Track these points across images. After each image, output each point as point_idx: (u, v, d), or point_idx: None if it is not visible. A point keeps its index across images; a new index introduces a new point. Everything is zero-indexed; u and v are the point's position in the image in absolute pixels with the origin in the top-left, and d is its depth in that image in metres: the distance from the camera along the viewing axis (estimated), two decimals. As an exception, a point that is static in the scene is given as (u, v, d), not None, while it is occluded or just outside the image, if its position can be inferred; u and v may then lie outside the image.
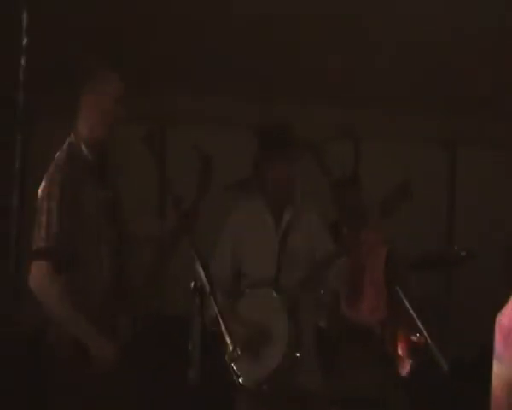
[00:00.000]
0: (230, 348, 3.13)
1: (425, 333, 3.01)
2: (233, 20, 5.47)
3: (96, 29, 5.28)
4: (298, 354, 4.06)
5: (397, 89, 6.06)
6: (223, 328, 3.15)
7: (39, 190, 3.44)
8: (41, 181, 3.47)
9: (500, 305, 2.19)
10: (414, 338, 3.22)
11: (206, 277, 3.24)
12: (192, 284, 3.26)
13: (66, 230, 3.38)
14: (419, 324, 3.06)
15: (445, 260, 5.58)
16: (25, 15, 4.58)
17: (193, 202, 3.76)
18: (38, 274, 3.36)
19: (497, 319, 2.10)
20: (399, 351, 3.37)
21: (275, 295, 4.12)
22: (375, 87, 6.04)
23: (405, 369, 3.42)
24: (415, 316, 3.09)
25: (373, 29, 5.61)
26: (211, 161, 3.84)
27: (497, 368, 2.05)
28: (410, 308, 3.12)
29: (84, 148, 3.52)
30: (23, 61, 4.62)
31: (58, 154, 3.53)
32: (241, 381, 4.01)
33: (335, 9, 5.46)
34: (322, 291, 4.21)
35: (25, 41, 4.56)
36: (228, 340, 3.16)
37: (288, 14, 5.46)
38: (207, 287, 3.22)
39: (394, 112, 6.42)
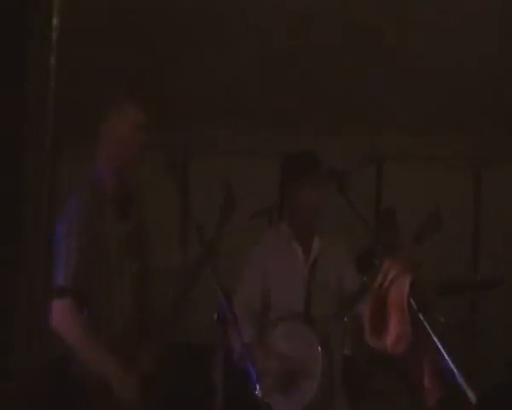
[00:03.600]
0: (260, 381, 3.09)
1: (451, 363, 2.96)
2: (257, 51, 5.49)
3: (119, 59, 5.31)
4: (329, 387, 4.01)
5: (421, 111, 6.05)
6: (250, 360, 3.12)
7: (59, 226, 3.40)
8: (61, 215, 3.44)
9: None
10: (440, 368, 3.17)
11: (228, 307, 3.23)
12: (215, 314, 3.25)
13: (86, 267, 3.36)
14: (444, 353, 3.01)
15: (471, 286, 5.53)
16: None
17: (215, 231, 3.74)
18: (59, 313, 3.32)
19: None
20: (425, 381, 3.31)
21: (305, 327, 4.07)
22: (400, 110, 6.04)
23: (431, 399, 3.36)
24: (440, 345, 3.04)
25: (397, 52, 5.61)
26: (232, 190, 3.82)
27: None
28: (435, 337, 3.08)
29: (105, 180, 3.51)
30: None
31: (78, 187, 3.50)
32: None
33: (358, 35, 5.47)
34: (345, 319, 4.16)
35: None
36: (257, 373, 3.12)
37: (310, 43, 5.48)
38: (230, 317, 3.20)
39: (417, 134, 6.40)
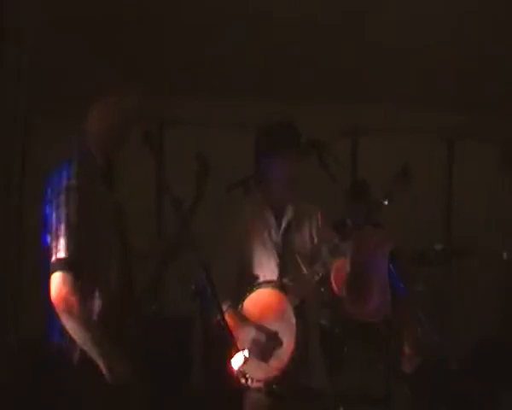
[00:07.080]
0: (236, 351, 3.09)
1: (430, 330, 2.98)
2: (232, 21, 5.46)
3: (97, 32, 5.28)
4: (305, 353, 4.02)
5: (396, 85, 6.07)
6: (227, 330, 3.12)
7: (53, 199, 3.34)
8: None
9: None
10: (419, 335, 3.19)
11: (206, 279, 3.21)
12: (193, 286, 3.24)
13: (85, 238, 3.31)
14: (424, 320, 3.03)
15: (445, 255, 5.57)
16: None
17: (191, 204, 3.71)
18: (61, 286, 3.25)
19: None
20: (405, 348, 3.34)
21: (280, 294, 4.08)
22: (375, 84, 6.05)
23: (411, 366, 3.39)
24: (420, 313, 3.06)
25: (373, 28, 5.62)
26: (207, 163, 3.80)
27: None
28: (415, 306, 3.10)
29: (95, 155, 3.48)
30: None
31: (67, 161, 3.45)
32: (249, 383, 3.96)
33: (336, 9, 5.47)
34: (322, 289, 4.16)
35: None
36: (233, 343, 3.12)
37: (288, 14, 5.46)
38: (209, 289, 3.19)
39: (393, 107, 6.42)
